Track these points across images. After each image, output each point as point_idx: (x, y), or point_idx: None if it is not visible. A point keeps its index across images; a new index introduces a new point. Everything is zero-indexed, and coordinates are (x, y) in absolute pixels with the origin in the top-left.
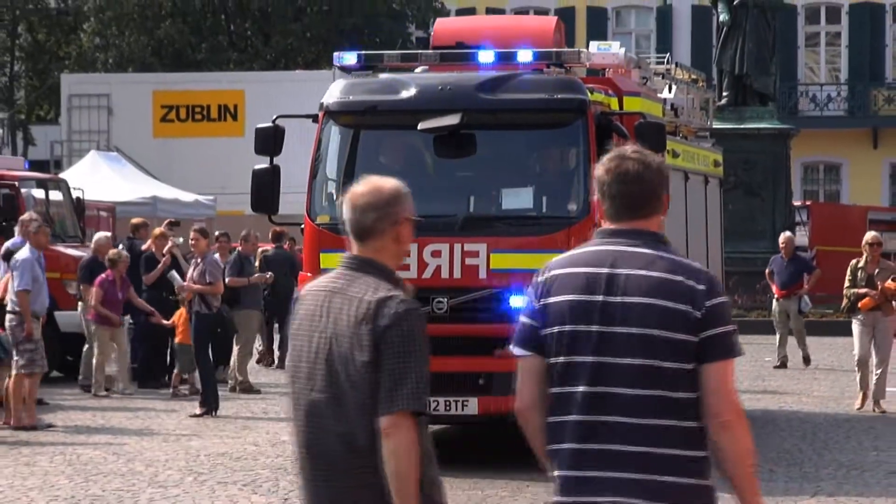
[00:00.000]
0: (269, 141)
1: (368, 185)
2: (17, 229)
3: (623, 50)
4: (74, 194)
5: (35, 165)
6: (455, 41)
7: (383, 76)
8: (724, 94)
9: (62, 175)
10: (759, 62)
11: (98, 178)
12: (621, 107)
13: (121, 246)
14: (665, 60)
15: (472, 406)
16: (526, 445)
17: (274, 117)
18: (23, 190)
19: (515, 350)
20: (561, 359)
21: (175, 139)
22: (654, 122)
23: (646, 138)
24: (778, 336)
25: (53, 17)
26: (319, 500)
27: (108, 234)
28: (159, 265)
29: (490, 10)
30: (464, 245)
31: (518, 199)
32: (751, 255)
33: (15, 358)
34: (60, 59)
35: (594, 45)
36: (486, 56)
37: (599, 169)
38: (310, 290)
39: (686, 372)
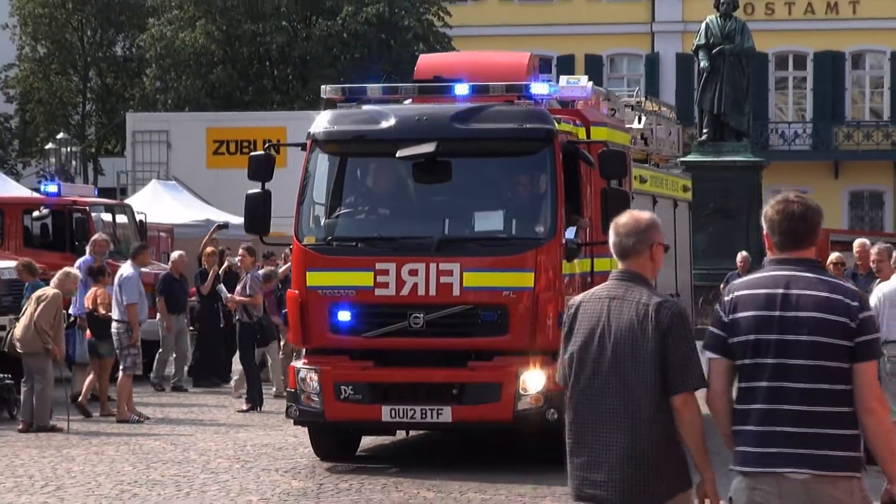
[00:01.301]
0: (262, 167)
1: (629, 216)
2: (87, 248)
3: (591, 84)
4: (138, 217)
5: (104, 192)
6: (433, 75)
7: (366, 107)
8: (705, 130)
9: (127, 201)
10: (735, 103)
11: (158, 204)
12: (588, 136)
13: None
14: (634, 94)
15: (446, 414)
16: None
17: (266, 145)
18: (93, 214)
19: (708, 354)
20: (748, 360)
21: (226, 170)
22: (616, 150)
23: (607, 164)
24: None
25: (120, 64)
26: (604, 475)
27: (182, 252)
28: (209, 278)
29: None
30: (439, 264)
31: (489, 221)
32: (728, 270)
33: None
34: (126, 100)
35: (564, 79)
36: (461, 89)
37: (769, 210)
38: (587, 297)
39: (843, 370)
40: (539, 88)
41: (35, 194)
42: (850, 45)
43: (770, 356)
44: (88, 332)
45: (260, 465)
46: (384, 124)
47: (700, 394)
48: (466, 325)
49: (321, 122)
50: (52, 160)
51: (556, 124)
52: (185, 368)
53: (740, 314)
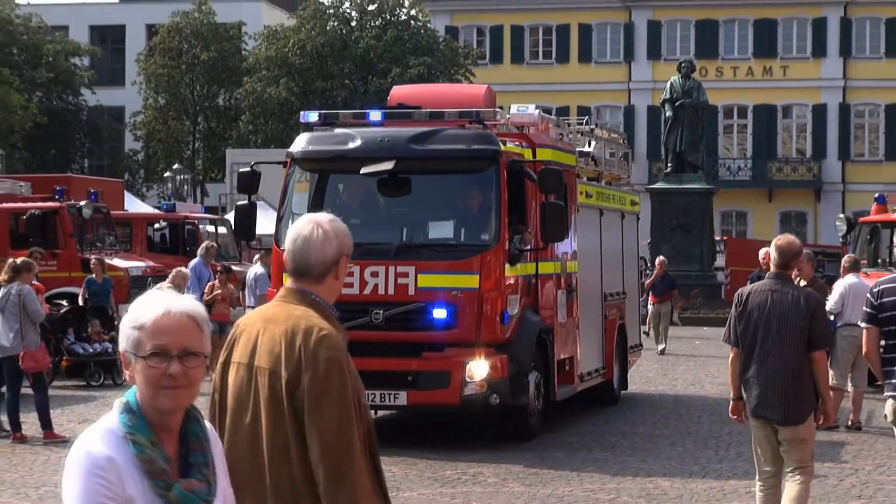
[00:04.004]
0: (248, 182)
1: (787, 240)
2: (198, 252)
3: (538, 111)
4: (234, 230)
5: (208, 210)
6: (397, 103)
7: (338, 130)
8: (669, 164)
9: (226, 216)
10: (693, 143)
11: None
12: (534, 156)
13: None
14: (585, 122)
15: (402, 398)
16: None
17: (252, 163)
18: (200, 226)
19: (863, 324)
20: (892, 328)
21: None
22: (553, 169)
23: (546, 180)
24: (652, 332)
25: (221, 112)
26: (771, 403)
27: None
28: None
29: None
30: (397, 267)
31: (441, 230)
32: (687, 273)
33: None
34: (226, 140)
35: (514, 107)
36: (419, 114)
37: None
38: (753, 289)
39: None
40: (487, 114)
41: (156, 211)
42: (781, 100)
43: None
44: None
45: None
46: (351, 145)
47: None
48: (420, 321)
49: (299, 142)
50: (169, 185)
51: (502, 146)
52: None
53: (886, 299)
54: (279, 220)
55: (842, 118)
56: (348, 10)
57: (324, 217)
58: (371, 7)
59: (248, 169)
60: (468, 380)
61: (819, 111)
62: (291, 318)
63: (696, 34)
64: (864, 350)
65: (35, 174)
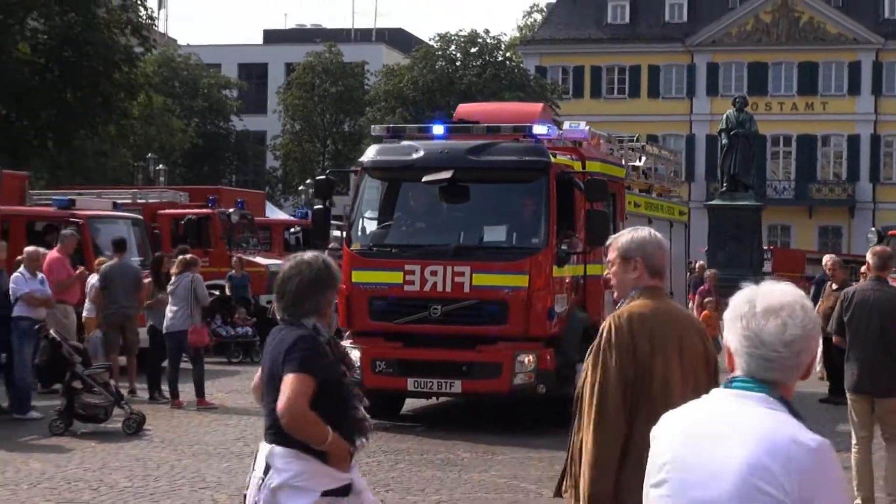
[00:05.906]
0: (323, 189)
1: (884, 247)
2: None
3: (588, 127)
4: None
5: (334, 218)
6: (458, 119)
7: (404, 143)
8: (724, 185)
9: None
10: (745, 167)
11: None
12: (584, 168)
13: None
14: (635, 139)
15: (457, 386)
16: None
17: (327, 171)
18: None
19: None
20: None
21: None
22: (598, 180)
23: (590, 190)
24: None
25: (347, 136)
26: (872, 379)
27: None
28: None
29: None
30: (454, 267)
31: (495, 233)
32: (738, 277)
33: None
34: (350, 160)
35: (567, 124)
36: (478, 129)
37: None
38: (858, 288)
39: None
40: (540, 129)
41: (291, 218)
42: (821, 131)
43: None
44: None
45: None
46: (415, 156)
47: None
48: (475, 316)
49: (369, 153)
50: (303, 197)
51: (553, 158)
52: None
53: None
54: (350, 224)
55: (873, 147)
56: (454, 52)
57: (651, 229)
58: (473, 50)
59: (324, 177)
60: (518, 371)
61: (853, 141)
62: (685, 311)
63: (748, 74)
64: None
65: (191, 186)
